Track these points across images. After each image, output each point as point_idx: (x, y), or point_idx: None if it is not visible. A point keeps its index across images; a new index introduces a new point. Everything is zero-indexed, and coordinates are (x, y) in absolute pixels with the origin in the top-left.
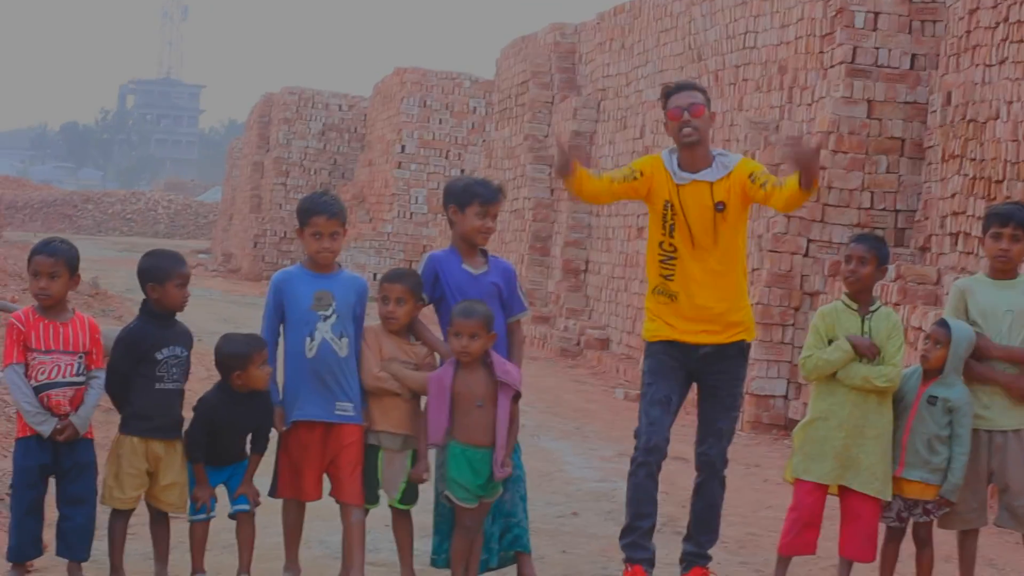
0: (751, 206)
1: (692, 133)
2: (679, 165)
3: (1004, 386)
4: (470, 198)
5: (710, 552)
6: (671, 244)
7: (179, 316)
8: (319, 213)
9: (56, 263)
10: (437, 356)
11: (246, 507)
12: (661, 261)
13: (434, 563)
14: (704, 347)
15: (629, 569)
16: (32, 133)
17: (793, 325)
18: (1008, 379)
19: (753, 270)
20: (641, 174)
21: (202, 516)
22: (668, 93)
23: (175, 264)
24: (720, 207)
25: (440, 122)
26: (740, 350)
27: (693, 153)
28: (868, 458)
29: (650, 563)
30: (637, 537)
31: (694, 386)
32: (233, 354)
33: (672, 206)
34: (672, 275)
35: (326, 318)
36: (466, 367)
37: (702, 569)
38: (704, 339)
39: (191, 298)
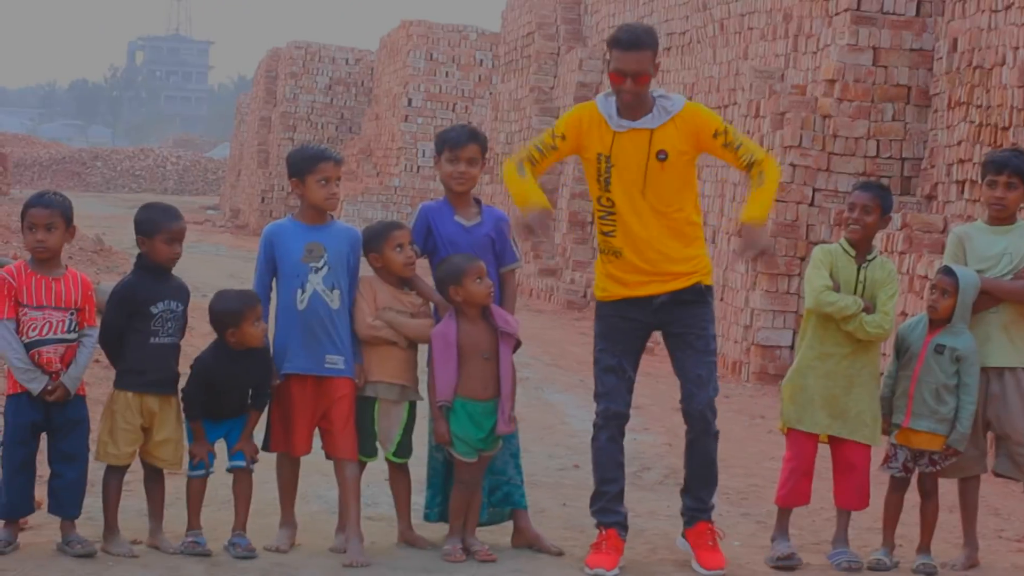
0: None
1: (631, 99)
2: (618, 111)
3: (1008, 291)
4: (441, 144)
5: (712, 503)
6: (608, 199)
7: (186, 270)
8: (326, 159)
9: (52, 214)
10: (432, 306)
11: (242, 463)
12: (601, 218)
13: (427, 517)
14: (658, 297)
15: (603, 532)
16: (41, 91)
17: (799, 275)
18: (1009, 284)
19: None
20: (564, 138)
21: (200, 472)
22: (615, 45)
23: (166, 219)
24: (662, 155)
25: (447, 75)
26: (698, 293)
27: (632, 106)
28: (856, 405)
29: (623, 526)
30: (605, 503)
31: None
32: (226, 311)
33: (607, 158)
34: (613, 231)
35: (317, 270)
36: (467, 319)
37: (706, 523)
38: (656, 289)
39: (196, 252)
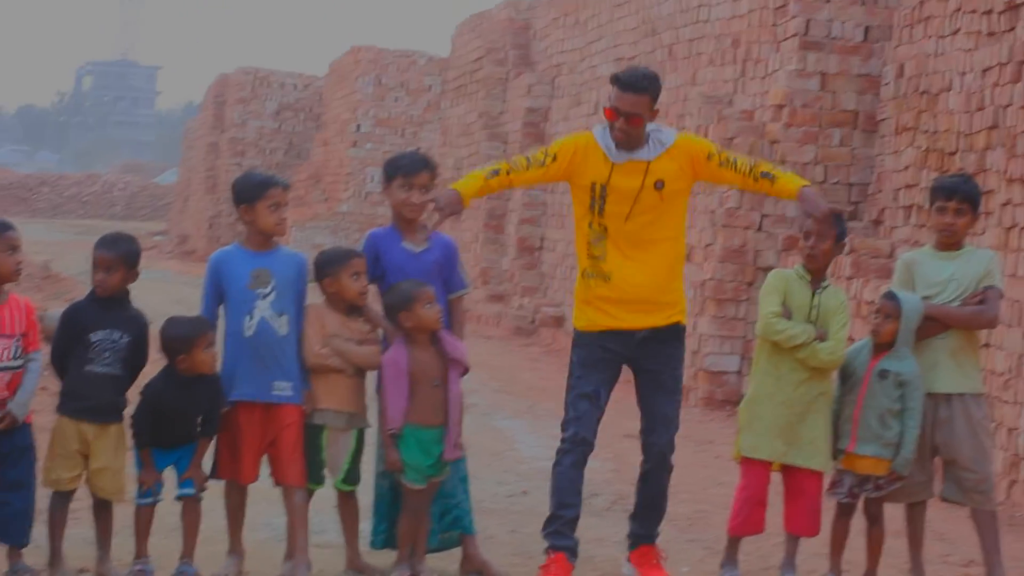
0: (695, 184)
1: (622, 138)
2: (616, 144)
3: (955, 317)
4: (393, 171)
5: (658, 531)
6: (601, 225)
7: (133, 296)
8: (275, 184)
9: None
10: (380, 332)
11: (191, 491)
12: (591, 242)
13: (373, 544)
14: (641, 331)
15: (552, 555)
16: None
17: (747, 300)
18: (956, 310)
19: (706, 245)
20: (555, 159)
21: (148, 500)
22: (615, 83)
23: (97, 250)
24: (659, 185)
25: (396, 100)
26: (676, 333)
27: (615, 135)
28: (810, 432)
29: (573, 552)
30: (560, 526)
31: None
32: (177, 337)
33: (603, 187)
34: (603, 256)
35: (264, 296)
36: (417, 345)
37: (649, 546)
38: (640, 322)
39: (143, 278)
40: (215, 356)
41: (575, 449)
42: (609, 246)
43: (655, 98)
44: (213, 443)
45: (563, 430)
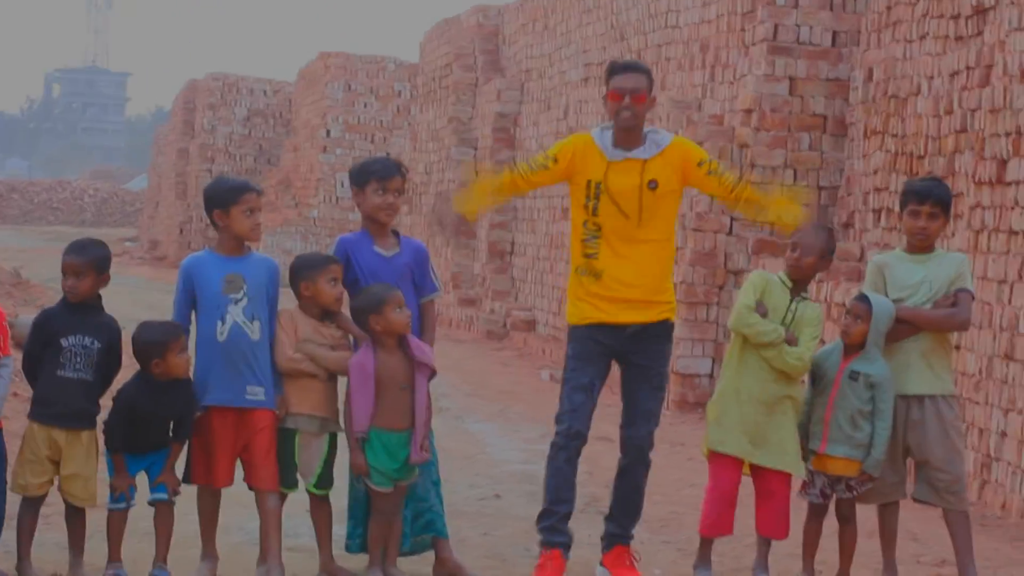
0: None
1: (630, 119)
2: (613, 142)
3: (927, 320)
4: (367, 176)
5: (633, 532)
6: (595, 223)
7: (104, 303)
8: (250, 190)
9: None
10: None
11: (164, 496)
12: (584, 240)
13: (348, 548)
14: (631, 326)
15: (547, 552)
16: None
17: (718, 304)
18: (928, 312)
19: (677, 249)
20: (555, 161)
21: (121, 505)
22: (613, 70)
23: (66, 256)
24: (653, 185)
25: (365, 106)
26: (665, 329)
27: (629, 133)
28: (777, 434)
29: (567, 547)
30: (555, 521)
31: (614, 366)
32: (150, 342)
33: (600, 185)
34: (596, 254)
35: (237, 301)
36: (385, 349)
37: (623, 547)
38: (630, 317)
39: (114, 284)
40: (188, 360)
41: (570, 444)
42: (602, 244)
43: (652, 83)
44: (186, 448)
45: (557, 423)
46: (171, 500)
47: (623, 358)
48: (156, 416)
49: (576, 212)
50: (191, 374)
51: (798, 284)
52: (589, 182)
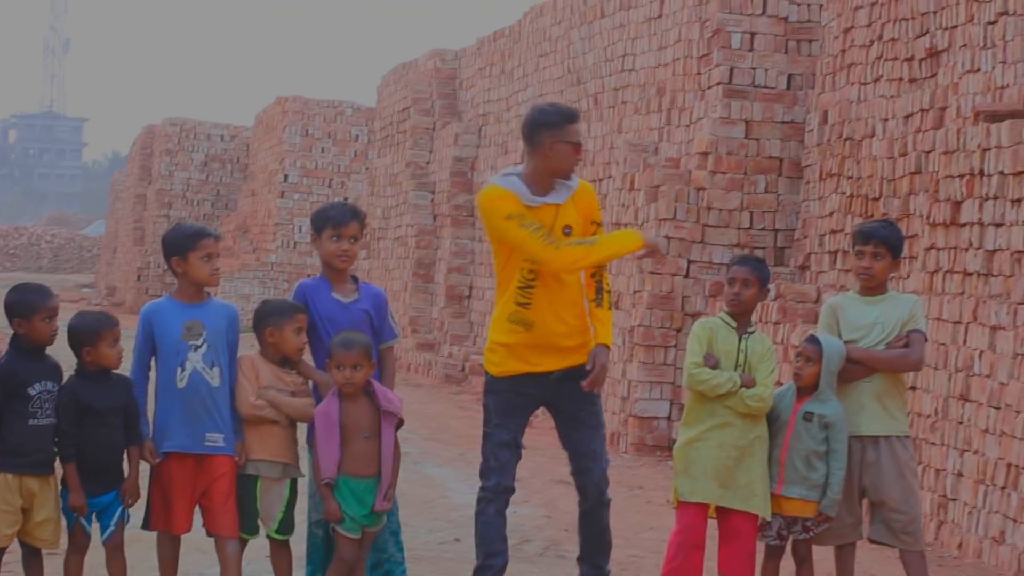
0: None
1: (573, 168)
2: (528, 188)
3: (880, 360)
4: (323, 222)
5: (608, 569)
6: (532, 271)
7: (61, 349)
8: (208, 235)
9: None
10: (311, 383)
11: (113, 529)
12: (520, 288)
13: None
14: (556, 372)
15: None
16: None
17: (675, 346)
18: (881, 353)
19: (634, 292)
20: (522, 214)
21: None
22: (569, 120)
23: (41, 298)
24: (568, 230)
25: (323, 151)
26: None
27: (546, 178)
28: (745, 476)
29: None
30: (492, 575)
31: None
32: (83, 329)
33: None
34: (529, 303)
35: (197, 348)
36: (350, 398)
37: None
38: (556, 364)
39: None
40: (120, 353)
41: (498, 498)
42: (535, 294)
43: None
44: (144, 494)
45: (483, 479)
46: (124, 519)
47: (552, 405)
48: (102, 408)
49: (510, 262)
50: (147, 420)
51: (741, 319)
52: None
